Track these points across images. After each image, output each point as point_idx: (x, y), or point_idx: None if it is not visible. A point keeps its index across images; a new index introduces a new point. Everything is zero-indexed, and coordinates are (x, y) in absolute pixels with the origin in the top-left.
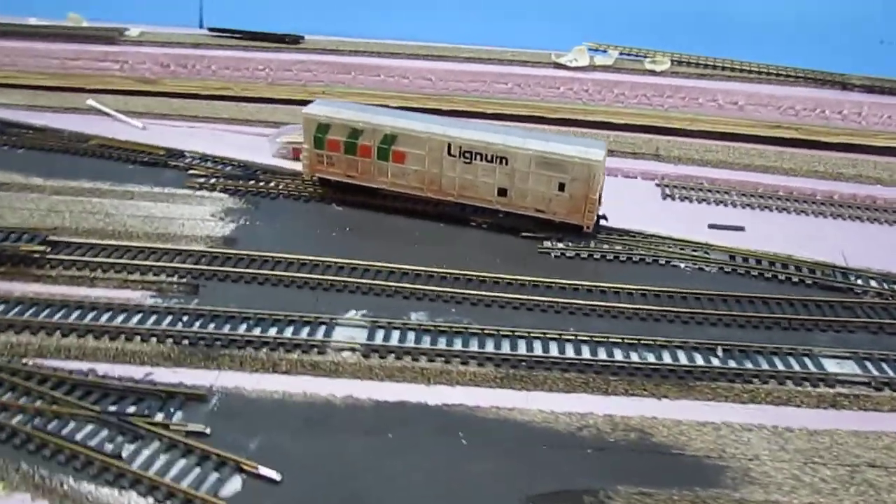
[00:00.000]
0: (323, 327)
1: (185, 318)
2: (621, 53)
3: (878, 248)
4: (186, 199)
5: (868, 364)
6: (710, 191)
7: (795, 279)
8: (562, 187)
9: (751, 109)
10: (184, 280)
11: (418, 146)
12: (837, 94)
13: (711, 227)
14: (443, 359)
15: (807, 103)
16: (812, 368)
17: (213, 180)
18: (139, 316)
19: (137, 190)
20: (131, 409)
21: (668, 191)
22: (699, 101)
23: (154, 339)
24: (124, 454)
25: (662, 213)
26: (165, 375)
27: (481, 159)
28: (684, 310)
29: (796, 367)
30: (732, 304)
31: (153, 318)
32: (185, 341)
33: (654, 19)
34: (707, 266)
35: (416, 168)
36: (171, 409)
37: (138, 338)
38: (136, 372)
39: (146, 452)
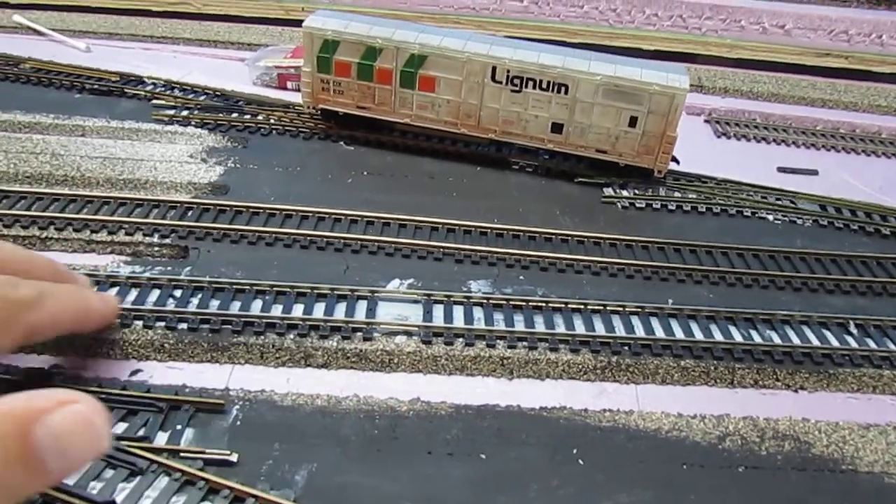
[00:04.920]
0: (363, 303)
1: (177, 293)
2: None
3: None
4: (154, 136)
5: None
6: (766, 128)
7: None
8: (633, 122)
9: (798, 34)
10: (167, 240)
11: (454, 70)
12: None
13: (781, 170)
14: (525, 343)
15: (862, 27)
16: None
17: (185, 112)
18: (114, 290)
19: (90, 124)
20: (121, 429)
21: (720, 128)
22: (741, 23)
23: (139, 323)
24: (119, 499)
25: (721, 153)
26: (159, 373)
27: (534, 87)
28: (794, 274)
29: None
30: (845, 265)
31: (134, 292)
32: (182, 325)
33: None
34: (799, 218)
35: (450, 98)
36: (178, 427)
37: (116, 320)
38: (118, 369)
39: (151, 495)
